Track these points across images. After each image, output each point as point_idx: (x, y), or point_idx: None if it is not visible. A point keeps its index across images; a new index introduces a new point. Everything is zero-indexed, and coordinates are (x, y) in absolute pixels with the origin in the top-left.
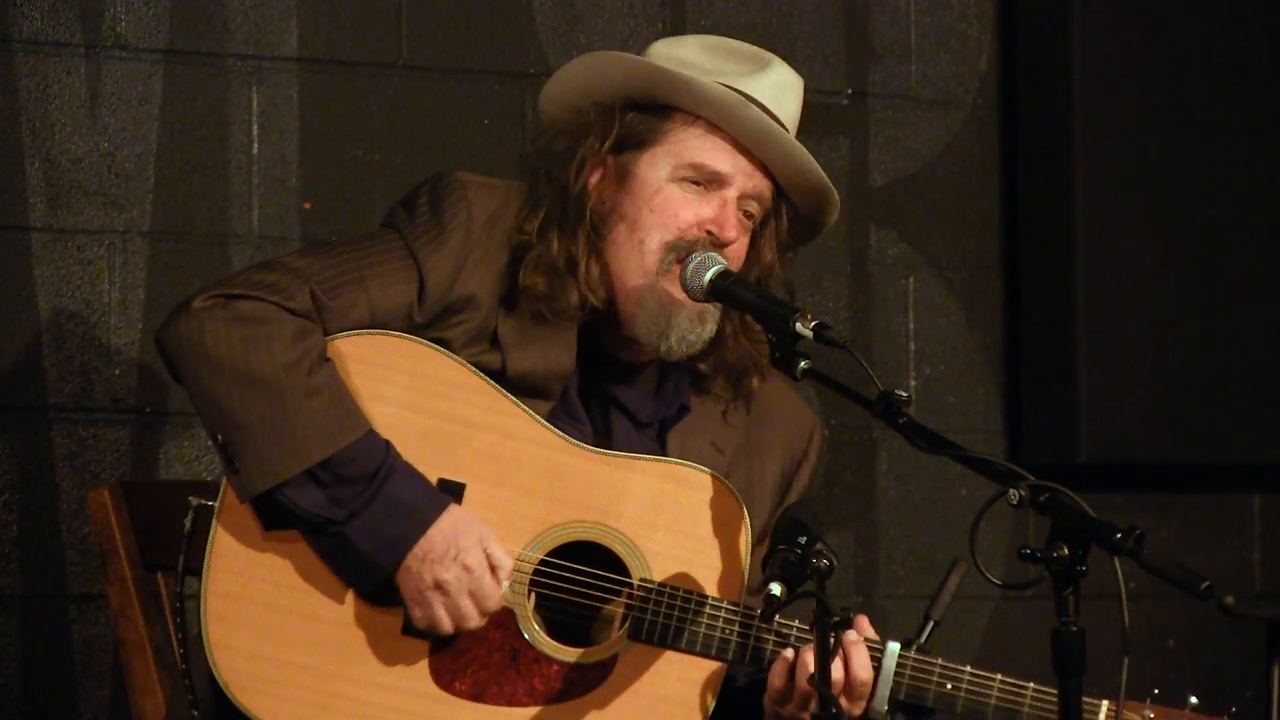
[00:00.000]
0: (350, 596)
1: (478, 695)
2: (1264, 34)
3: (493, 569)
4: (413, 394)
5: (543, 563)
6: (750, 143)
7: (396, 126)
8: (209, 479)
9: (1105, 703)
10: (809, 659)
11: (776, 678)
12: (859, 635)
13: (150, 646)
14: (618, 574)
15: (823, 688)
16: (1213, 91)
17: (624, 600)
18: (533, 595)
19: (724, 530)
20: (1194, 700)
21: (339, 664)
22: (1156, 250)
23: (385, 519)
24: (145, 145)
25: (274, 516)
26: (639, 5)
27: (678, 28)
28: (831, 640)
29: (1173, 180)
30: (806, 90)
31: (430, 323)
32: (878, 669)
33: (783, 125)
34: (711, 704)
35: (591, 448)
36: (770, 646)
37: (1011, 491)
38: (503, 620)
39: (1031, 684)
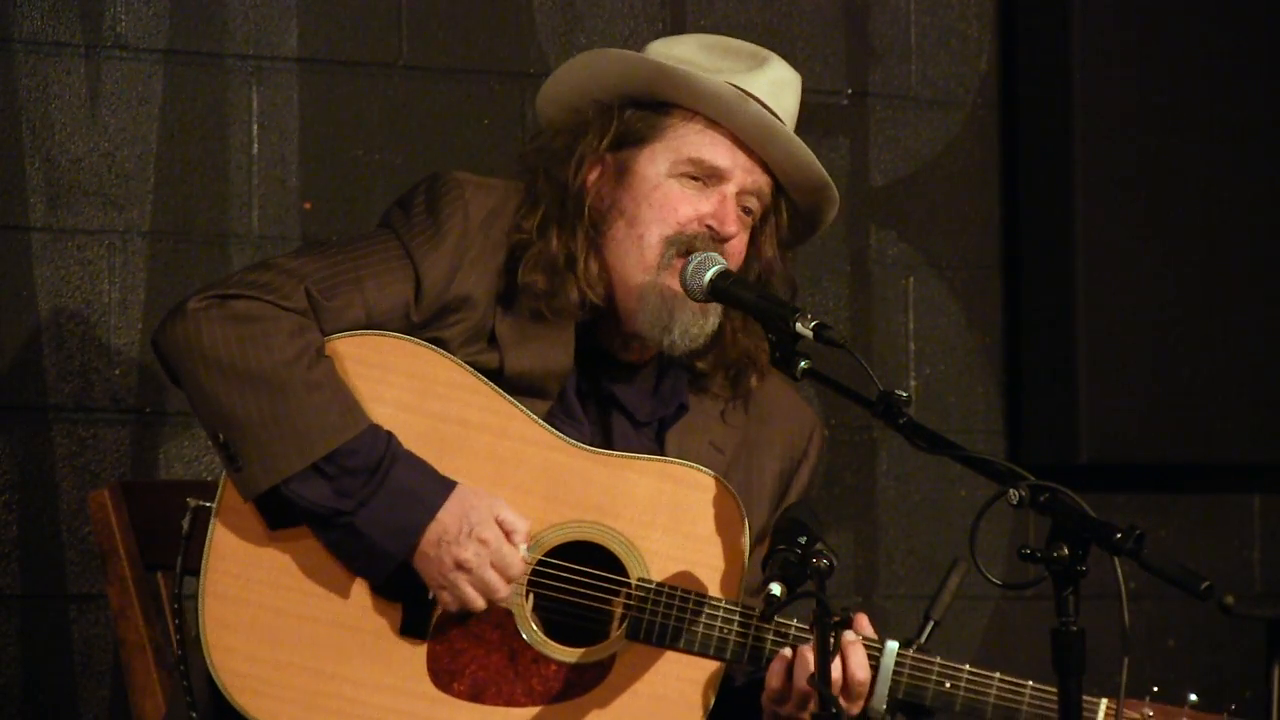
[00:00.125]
0: (349, 597)
1: (476, 696)
2: (1264, 34)
3: (508, 534)
4: (410, 395)
5: (541, 563)
6: (749, 138)
7: (396, 126)
8: (209, 479)
9: (1104, 700)
10: (807, 658)
11: (774, 677)
12: (856, 634)
13: (150, 646)
14: (616, 574)
15: (823, 688)
16: (1213, 91)
17: (622, 600)
18: (531, 595)
19: (723, 530)
20: (1193, 698)
21: (337, 665)
22: (1156, 250)
23: (393, 507)
24: (145, 145)
25: (277, 515)
26: (639, 5)
27: (678, 27)
28: (831, 640)
29: (1173, 180)
30: (806, 90)
31: (427, 323)
32: (875, 668)
33: (781, 121)
34: (711, 704)
35: (589, 447)
36: (769, 646)
37: (1011, 491)
38: (501, 620)
39: (1030, 682)
